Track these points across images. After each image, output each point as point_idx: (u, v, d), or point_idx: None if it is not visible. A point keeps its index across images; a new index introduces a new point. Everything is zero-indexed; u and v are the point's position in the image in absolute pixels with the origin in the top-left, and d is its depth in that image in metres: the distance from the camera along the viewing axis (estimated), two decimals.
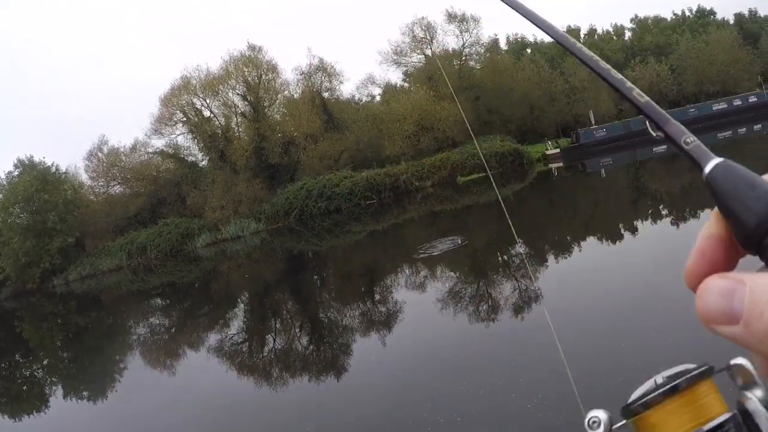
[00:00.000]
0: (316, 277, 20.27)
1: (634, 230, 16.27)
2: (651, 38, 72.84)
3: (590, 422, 0.64)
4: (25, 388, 16.77)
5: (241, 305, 18.72)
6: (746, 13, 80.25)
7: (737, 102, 49.67)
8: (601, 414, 0.65)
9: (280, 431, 8.72)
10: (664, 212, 18.04)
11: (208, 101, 53.30)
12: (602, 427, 0.64)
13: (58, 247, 46.65)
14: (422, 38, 57.11)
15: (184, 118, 53.27)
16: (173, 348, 15.90)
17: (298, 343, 13.60)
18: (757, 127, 36.22)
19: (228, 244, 33.93)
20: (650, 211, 18.49)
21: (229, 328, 15.72)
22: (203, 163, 55.12)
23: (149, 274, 35.78)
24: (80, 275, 45.09)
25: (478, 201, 28.46)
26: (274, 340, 14.20)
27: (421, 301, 13.71)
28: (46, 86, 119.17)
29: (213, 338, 15.01)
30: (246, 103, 53.59)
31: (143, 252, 42.85)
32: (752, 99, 50.02)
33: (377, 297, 15.67)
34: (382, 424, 7.86)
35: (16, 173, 49.96)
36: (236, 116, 54.23)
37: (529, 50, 71.52)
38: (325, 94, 54.85)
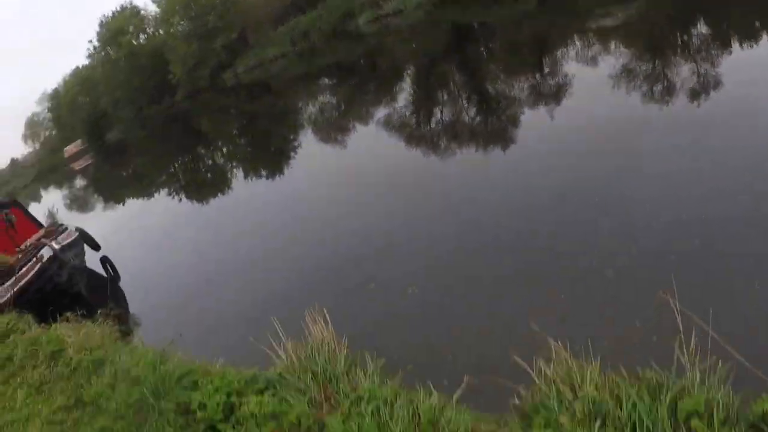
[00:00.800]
0: (482, 49, 19.47)
1: None
2: None
3: None
4: (209, 175, 18.37)
5: (407, 79, 18.58)
6: None
7: None
8: None
9: (438, 197, 8.96)
10: None
11: None
12: None
13: (221, 44, 48.56)
14: None
15: None
16: (342, 125, 16.39)
17: (465, 114, 13.47)
18: None
19: (390, 20, 33.13)
20: None
21: (396, 101, 15.80)
22: None
23: (314, 57, 36.31)
24: (247, 67, 47.02)
25: None
26: (441, 111, 14.16)
27: (592, 75, 12.76)
28: None
29: (380, 112, 15.20)
30: None
31: (306, 36, 43.34)
32: None
33: (546, 70, 14.81)
34: (545, 199, 7.71)
35: None
36: None
37: None
38: None
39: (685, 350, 3.07)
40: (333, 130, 16.21)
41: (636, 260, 5.46)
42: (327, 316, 4.01)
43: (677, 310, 3.33)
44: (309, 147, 15.46)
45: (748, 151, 6.84)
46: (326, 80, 24.58)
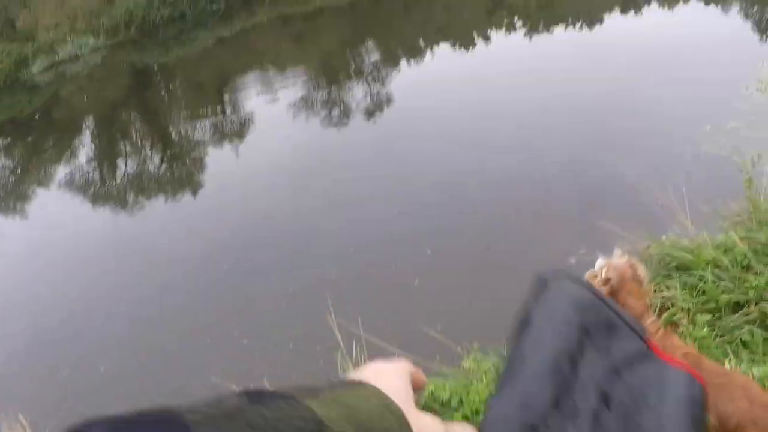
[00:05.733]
0: (164, 93, 19.33)
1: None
2: None
3: None
4: None
5: (88, 132, 17.67)
6: None
7: None
8: None
9: (139, 259, 8.80)
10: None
11: None
12: None
13: None
14: None
15: None
16: (21, 189, 14.98)
17: (150, 163, 13.32)
18: None
19: (67, 67, 30.97)
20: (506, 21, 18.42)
21: (77, 158, 14.88)
22: None
23: None
24: None
25: (333, 3, 26.50)
26: (126, 164, 13.76)
27: (273, 110, 13.60)
28: None
29: (62, 171, 14.19)
30: None
31: None
32: None
33: (228, 109, 15.31)
34: (232, 240, 8.15)
35: None
36: None
37: None
38: None
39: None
40: (11, 199, 14.61)
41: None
42: None
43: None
44: None
45: None
46: None
